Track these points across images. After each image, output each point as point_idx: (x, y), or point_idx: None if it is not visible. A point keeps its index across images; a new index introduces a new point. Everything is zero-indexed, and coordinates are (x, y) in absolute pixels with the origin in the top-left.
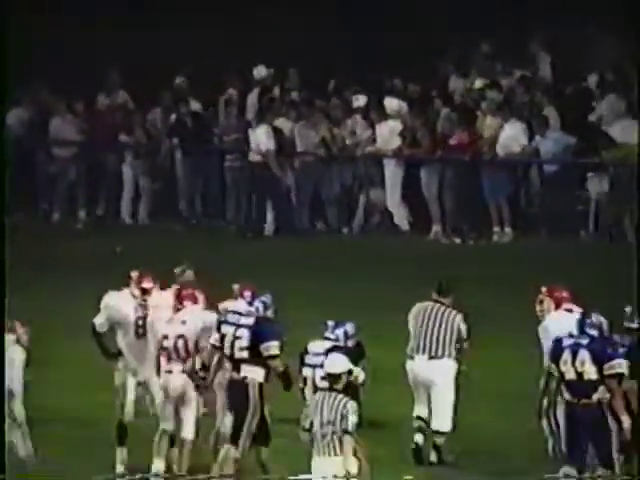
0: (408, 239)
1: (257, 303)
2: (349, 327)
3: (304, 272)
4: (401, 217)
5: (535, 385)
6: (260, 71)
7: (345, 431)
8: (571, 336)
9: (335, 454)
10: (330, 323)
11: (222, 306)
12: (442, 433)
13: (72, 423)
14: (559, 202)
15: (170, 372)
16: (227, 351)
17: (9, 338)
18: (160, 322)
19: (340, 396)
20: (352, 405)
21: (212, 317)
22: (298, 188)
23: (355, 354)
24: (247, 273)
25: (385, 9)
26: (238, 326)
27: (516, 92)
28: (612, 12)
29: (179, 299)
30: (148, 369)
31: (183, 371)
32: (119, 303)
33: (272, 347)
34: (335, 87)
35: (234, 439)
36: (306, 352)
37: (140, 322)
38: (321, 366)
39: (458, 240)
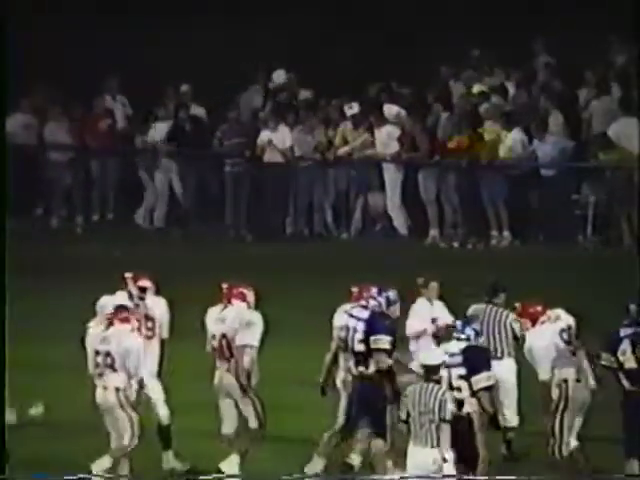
0: (407, 243)
1: (380, 298)
2: (476, 326)
3: (303, 276)
4: (400, 221)
5: (535, 386)
6: (279, 75)
7: (443, 420)
8: (628, 326)
9: (433, 444)
10: (458, 322)
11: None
12: (512, 428)
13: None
14: (557, 206)
15: (218, 369)
16: (350, 344)
17: (125, 328)
18: (209, 322)
19: (437, 386)
20: (450, 394)
21: (253, 316)
22: (296, 193)
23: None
24: (246, 277)
25: (384, 13)
26: (358, 319)
27: (515, 95)
28: (613, 13)
29: (228, 297)
30: (146, 370)
31: (228, 370)
32: (116, 303)
33: (382, 340)
34: (332, 91)
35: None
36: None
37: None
38: (458, 366)
39: (456, 244)
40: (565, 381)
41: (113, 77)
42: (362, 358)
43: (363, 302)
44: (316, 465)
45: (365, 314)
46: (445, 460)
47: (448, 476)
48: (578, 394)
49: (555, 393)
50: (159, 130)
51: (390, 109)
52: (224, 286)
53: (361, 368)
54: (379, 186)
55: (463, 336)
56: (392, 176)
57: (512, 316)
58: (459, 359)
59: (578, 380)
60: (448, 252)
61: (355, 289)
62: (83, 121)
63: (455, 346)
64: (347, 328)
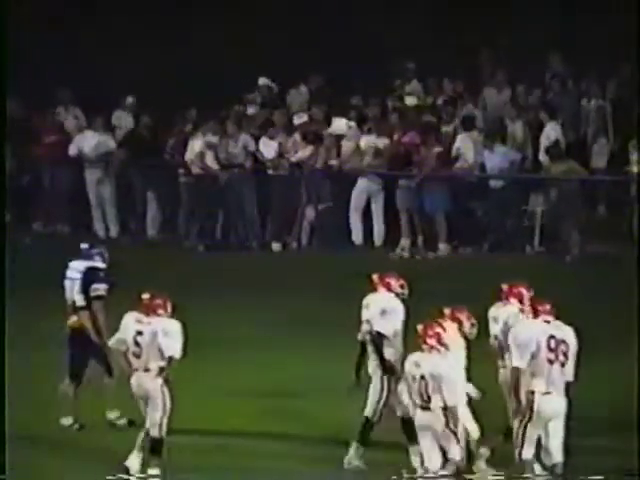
0: (358, 253)
1: None
2: None
3: (254, 287)
4: (357, 232)
5: (491, 392)
6: (264, 81)
7: None
8: None
9: None
10: None
11: None
12: None
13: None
14: (505, 217)
15: None
16: None
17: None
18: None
19: None
20: None
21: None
22: (239, 203)
23: None
24: (198, 288)
25: (338, 25)
26: None
27: (466, 106)
28: (553, 27)
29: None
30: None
31: None
32: None
33: None
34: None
35: None
36: None
37: None
38: None
39: (406, 254)
40: (532, 393)
41: (65, 89)
42: None
43: None
44: None
45: None
46: None
47: None
48: (545, 407)
49: (523, 401)
50: (90, 142)
51: (339, 123)
52: None
53: None
54: (328, 197)
55: None
56: (361, 188)
57: None
58: None
59: (548, 392)
60: (398, 262)
61: None
62: (34, 132)
63: None
64: None
